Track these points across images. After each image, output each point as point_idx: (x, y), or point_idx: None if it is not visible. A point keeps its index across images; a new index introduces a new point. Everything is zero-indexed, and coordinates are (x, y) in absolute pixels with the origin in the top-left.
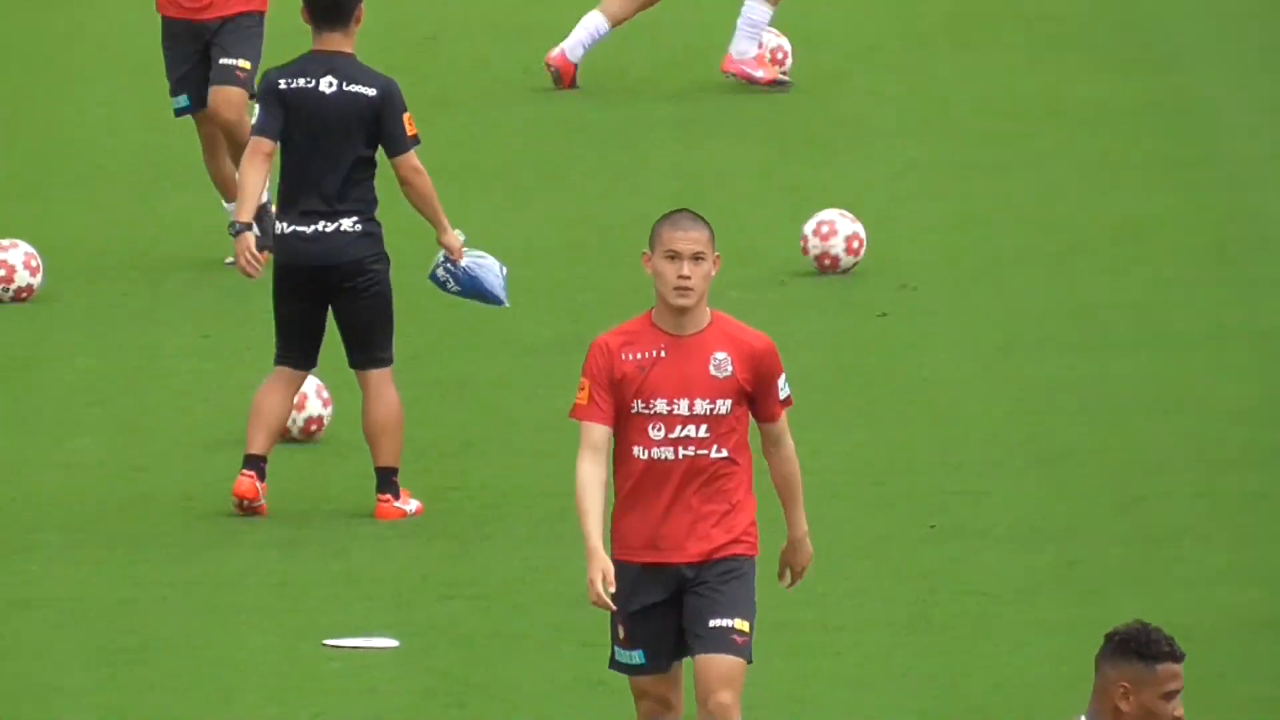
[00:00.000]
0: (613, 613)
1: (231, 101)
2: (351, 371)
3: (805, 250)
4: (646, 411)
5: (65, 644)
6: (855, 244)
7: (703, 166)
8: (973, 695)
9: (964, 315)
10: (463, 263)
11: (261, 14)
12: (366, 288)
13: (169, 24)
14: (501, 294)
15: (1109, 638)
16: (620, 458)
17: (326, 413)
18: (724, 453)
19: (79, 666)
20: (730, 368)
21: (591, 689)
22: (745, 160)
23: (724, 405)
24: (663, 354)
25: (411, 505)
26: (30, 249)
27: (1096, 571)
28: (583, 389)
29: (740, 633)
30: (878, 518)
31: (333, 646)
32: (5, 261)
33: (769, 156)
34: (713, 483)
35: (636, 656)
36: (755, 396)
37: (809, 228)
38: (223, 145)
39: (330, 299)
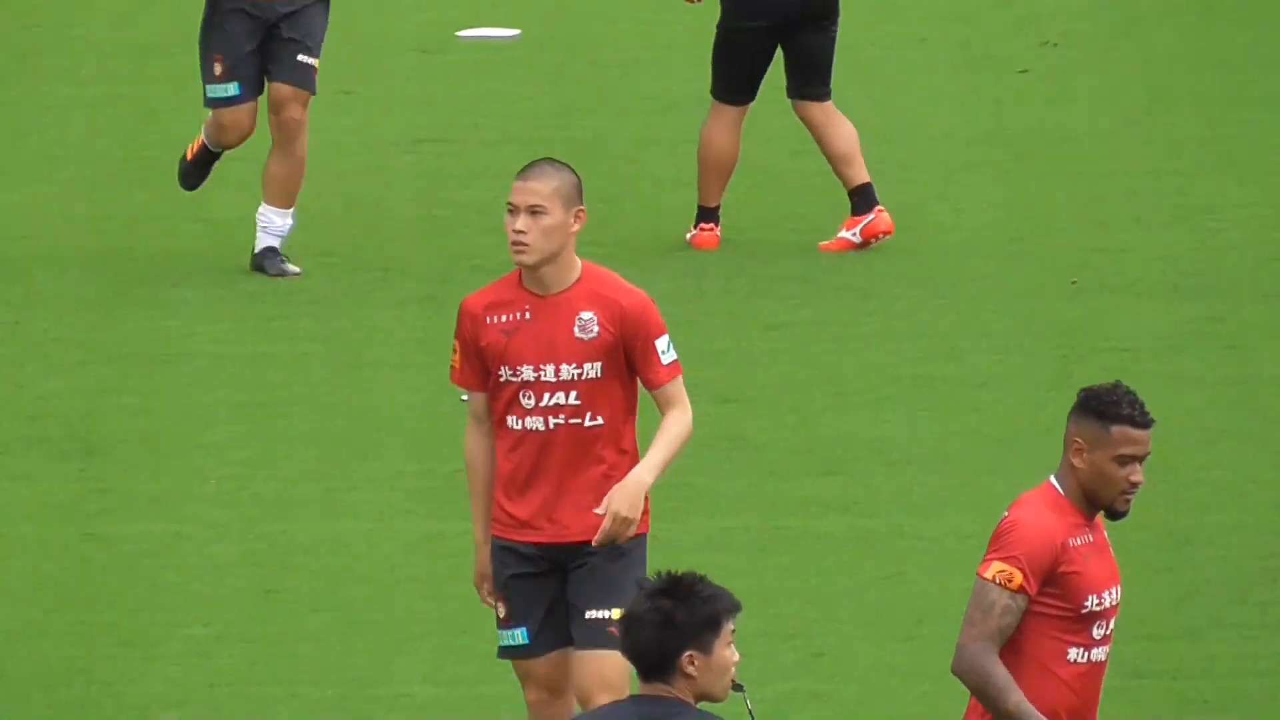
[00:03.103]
0: (495, 593)
1: (302, 102)
2: None
3: None
4: (515, 379)
5: (207, 399)
6: None
7: None
8: None
9: (1106, 71)
10: None
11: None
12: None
13: (224, 3)
14: None
15: (1079, 394)
16: (496, 429)
17: None
18: (599, 420)
19: (220, 421)
20: (596, 328)
21: (732, 442)
22: None
23: (593, 369)
24: (527, 316)
25: None
26: None
27: (1237, 327)
28: (455, 352)
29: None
30: (1020, 274)
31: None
32: None
33: None
34: (590, 453)
35: (520, 635)
36: (632, 359)
37: None
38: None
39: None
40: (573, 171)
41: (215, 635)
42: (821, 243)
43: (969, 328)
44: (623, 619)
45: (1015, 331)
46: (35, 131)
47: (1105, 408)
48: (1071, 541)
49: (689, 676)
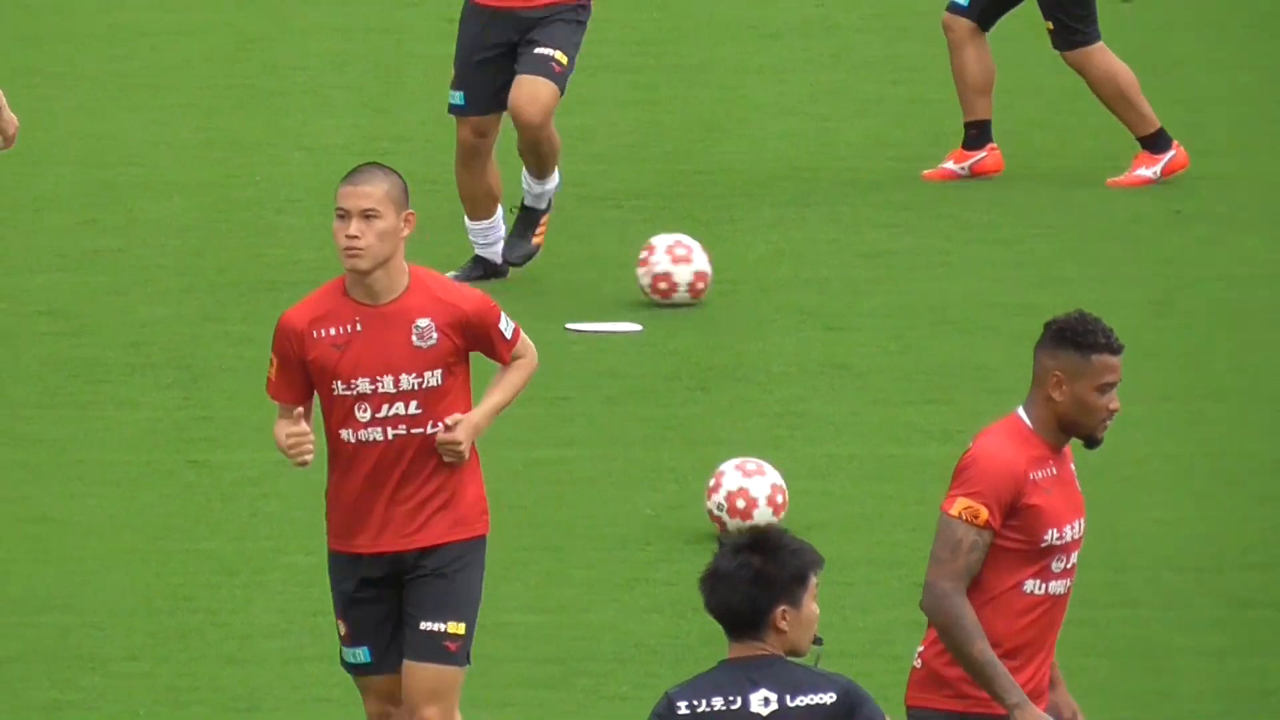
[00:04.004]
0: (336, 611)
1: (539, 98)
2: None
3: None
4: (349, 393)
5: None
6: None
7: None
8: (1217, 377)
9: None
10: None
11: (588, 6)
12: None
13: (478, 9)
14: None
15: (1047, 326)
16: (329, 442)
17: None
18: (439, 427)
19: None
20: (435, 334)
21: (836, 370)
22: None
23: (434, 377)
24: (358, 328)
25: None
26: None
27: None
28: (271, 365)
29: (453, 637)
30: (1125, 202)
31: (576, 331)
32: None
33: None
34: (429, 461)
35: (362, 654)
36: (480, 350)
37: None
38: (481, 156)
39: None
40: (399, 175)
41: (317, 564)
42: (925, 171)
43: (1071, 256)
44: (707, 577)
45: (1118, 260)
46: (135, 57)
47: (1081, 338)
48: (1033, 474)
49: (780, 631)
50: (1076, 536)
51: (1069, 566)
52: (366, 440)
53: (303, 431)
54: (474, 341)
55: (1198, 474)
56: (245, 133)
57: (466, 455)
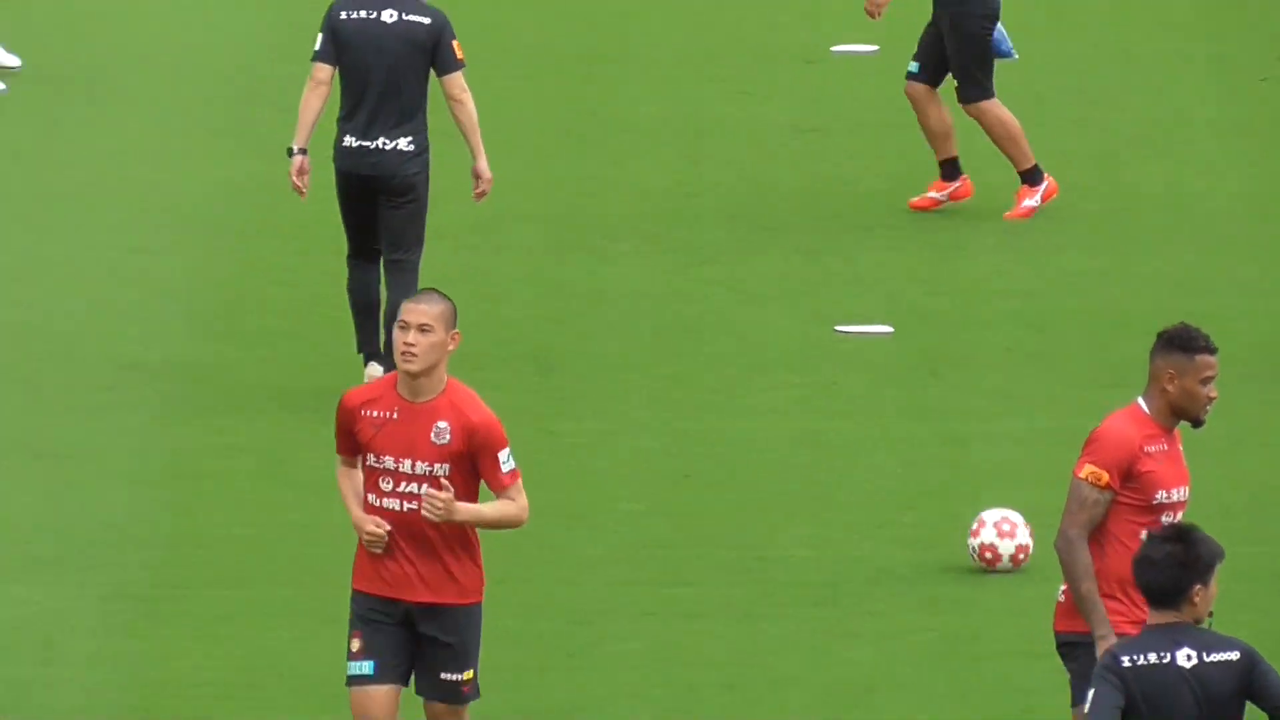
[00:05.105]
0: (350, 632)
1: None
2: None
3: None
4: (378, 466)
5: (634, 327)
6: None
7: None
8: None
9: None
10: None
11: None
12: None
13: None
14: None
15: (1159, 335)
16: (365, 497)
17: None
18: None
19: (646, 344)
20: (449, 436)
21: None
22: None
23: (442, 469)
24: (395, 416)
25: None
26: None
27: None
28: (337, 430)
29: (467, 683)
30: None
31: (842, 332)
32: None
33: None
34: (436, 533)
35: (366, 667)
36: (478, 467)
37: None
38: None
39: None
40: (451, 301)
41: (643, 510)
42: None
43: (1217, 272)
44: (1140, 560)
45: (1257, 277)
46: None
47: (1186, 343)
48: (1147, 448)
49: (1193, 604)
50: (1182, 499)
51: (1175, 521)
52: (387, 507)
53: (381, 535)
54: (476, 452)
55: None
56: (584, 172)
57: (435, 517)
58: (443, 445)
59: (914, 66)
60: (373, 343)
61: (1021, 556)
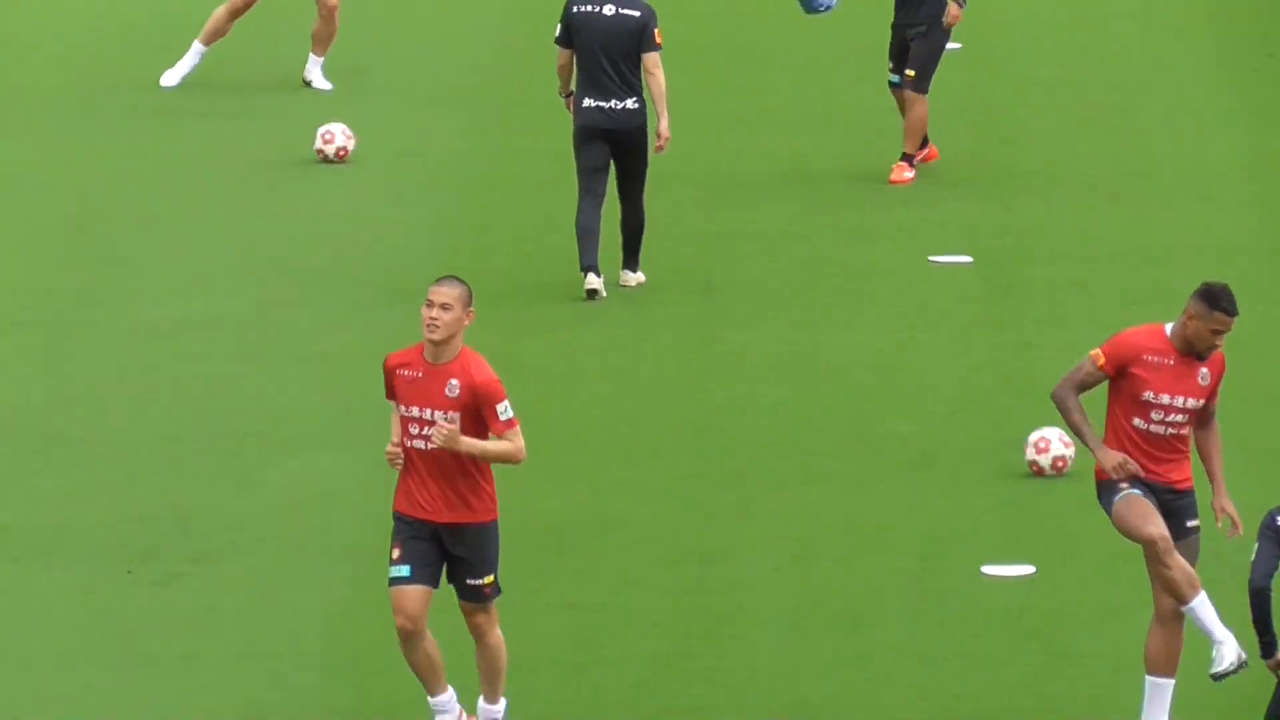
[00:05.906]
0: (392, 543)
1: None
2: None
3: None
4: (408, 414)
5: (772, 261)
6: None
7: None
8: None
9: None
10: None
11: None
12: None
13: None
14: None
15: (1202, 283)
16: (402, 438)
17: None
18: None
19: (782, 275)
20: (458, 391)
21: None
22: None
23: (454, 416)
24: (420, 375)
25: None
26: None
27: None
28: (385, 383)
29: (488, 585)
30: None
31: (936, 262)
32: None
33: None
34: (454, 467)
35: (404, 570)
36: (480, 416)
37: None
38: None
39: None
40: (468, 285)
41: (781, 398)
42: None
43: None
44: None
45: None
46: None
47: (1212, 300)
48: (1147, 356)
49: None
50: (1176, 405)
51: (1167, 420)
52: (415, 446)
53: (397, 453)
54: (479, 404)
55: None
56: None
57: (439, 440)
58: (454, 398)
59: (894, 78)
60: (592, 259)
61: (1061, 464)
